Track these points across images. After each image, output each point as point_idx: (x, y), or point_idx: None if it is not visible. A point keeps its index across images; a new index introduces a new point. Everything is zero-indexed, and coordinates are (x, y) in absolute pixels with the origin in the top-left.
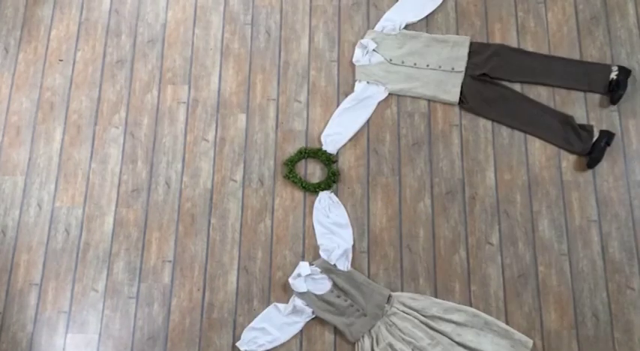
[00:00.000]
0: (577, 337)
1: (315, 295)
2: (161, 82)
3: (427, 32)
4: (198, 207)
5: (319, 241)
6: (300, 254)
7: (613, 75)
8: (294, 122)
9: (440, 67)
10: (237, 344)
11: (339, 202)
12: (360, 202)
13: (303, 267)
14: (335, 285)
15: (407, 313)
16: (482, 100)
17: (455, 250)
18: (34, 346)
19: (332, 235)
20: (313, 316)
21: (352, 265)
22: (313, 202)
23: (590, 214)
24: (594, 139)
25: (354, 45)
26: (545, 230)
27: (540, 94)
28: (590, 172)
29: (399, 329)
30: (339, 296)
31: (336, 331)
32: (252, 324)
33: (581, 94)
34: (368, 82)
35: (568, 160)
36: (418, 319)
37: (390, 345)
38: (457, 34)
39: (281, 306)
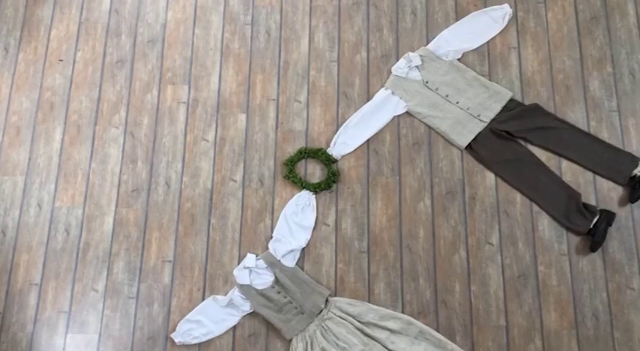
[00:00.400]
0: (577, 337)
1: (256, 290)
2: (161, 82)
3: (427, 31)
4: (198, 207)
5: (275, 232)
6: (300, 254)
7: (638, 170)
8: (294, 122)
9: (468, 109)
10: (172, 335)
11: (315, 208)
12: (360, 202)
13: (250, 259)
14: (277, 280)
15: (343, 319)
16: (492, 154)
17: (455, 250)
18: (34, 346)
19: (290, 232)
20: (250, 310)
21: (352, 265)
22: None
23: None
24: (595, 219)
25: (354, 45)
26: (545, 230)
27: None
28: (590, 173)
29: (334, 334)
30: (279, 292)
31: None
32: (188, 316)
33: (581, 95)
34: (393, 93)
35: (568, 159)
36: (353, 325)
37: (324, 350)
38: None
39: (219, 298)
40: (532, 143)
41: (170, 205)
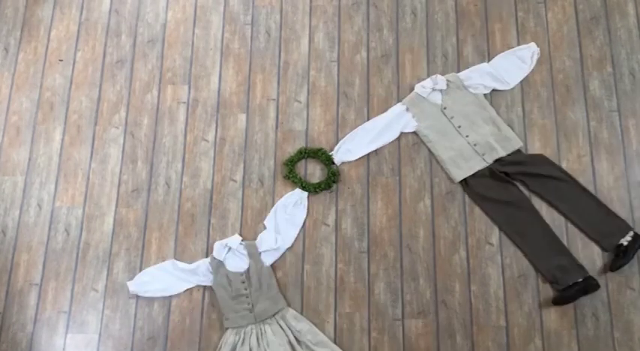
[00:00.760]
0: (577, 337)
1: (225, 269)
2: (161, 82)
3: (427, 31)
4: (198, 207)
5: (265, 221)
6: (300, 254)
7: (625, 240)
8: (294, 122)
9: (475, 145)
10: (128, 283)
11: (306, 207)
12: (360, 202)
13: (235, 239)
14: (248, 270)
15: (283, 329)
16: (485, 192)
17: (455, 250)
18: (34, 346)
19: (277, 227)
20: (208, 283)
21: (352, 265)
22: (313, 203)
23: None
24: (577, 281)
25: (354, 45)
26: None
27: None
28: (590, 171)
29: (267, 341)
30: (243, 282)
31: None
32: (148, 269)
33: (581, 95)
34: (407, 109)
35: (568, 160)
36: (288, 339)
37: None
38: (457, 33)
39: (180, 264)
40: (528, 188)
41: (170, 205)
